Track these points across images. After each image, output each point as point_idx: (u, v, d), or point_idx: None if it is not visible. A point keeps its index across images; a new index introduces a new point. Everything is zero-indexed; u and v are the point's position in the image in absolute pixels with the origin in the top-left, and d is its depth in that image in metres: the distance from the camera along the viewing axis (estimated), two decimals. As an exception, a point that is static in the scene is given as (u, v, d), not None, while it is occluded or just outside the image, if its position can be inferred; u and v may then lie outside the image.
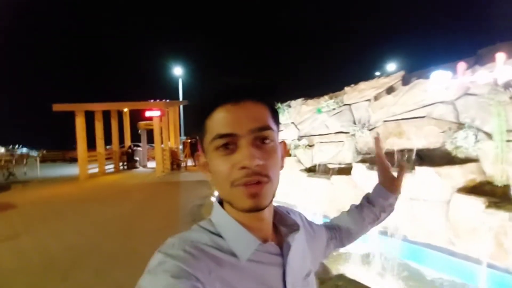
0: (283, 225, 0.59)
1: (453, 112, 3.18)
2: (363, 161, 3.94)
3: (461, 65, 2.97)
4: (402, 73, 3.74)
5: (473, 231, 2.57)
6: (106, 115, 13.28)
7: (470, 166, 2.86)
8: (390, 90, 3.76)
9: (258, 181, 0.46)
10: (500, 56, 2.58)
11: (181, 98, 21.92)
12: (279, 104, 5.60)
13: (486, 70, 2.76)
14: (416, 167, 3.04)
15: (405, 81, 3.63)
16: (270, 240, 0.53)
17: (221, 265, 0.47)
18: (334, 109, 4.55)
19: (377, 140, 0.83)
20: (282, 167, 0.54)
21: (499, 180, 2.64)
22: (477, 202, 2.50)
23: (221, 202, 0.55)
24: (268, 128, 0.49)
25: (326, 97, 4.77)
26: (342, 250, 3.64)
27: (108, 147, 14.42)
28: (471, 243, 2.63)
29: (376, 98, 3.92)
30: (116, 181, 11.02)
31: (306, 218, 0.73)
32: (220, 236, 0.51)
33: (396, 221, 3.27)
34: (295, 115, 5.50)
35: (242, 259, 0.49)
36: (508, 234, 2.25)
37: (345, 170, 4.27)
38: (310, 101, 5.17)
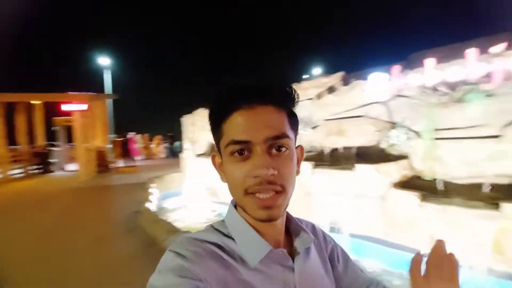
0: (299, 239, 0.56)
1: (387, 112, 3.36)
2: (306, 159, 3.92)
3: (395, 68, 3.14)
4: (341, 73, 3.84)
5: (408, 223, 2.71)
6: (12, 109, 10.88)
7: (403, 162, 3.04)
8: (331, 89, 3.82)
9: (271, 190, 0.46)
10: (429, 61, 2.78)
11: (110, 92, 19.53)
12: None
13: (416, 73, 2.95)
14: (356, 165, 3.10)
15: (345, 82, 3.72)
16: (281, 248, 0.51)
17: (228, 268, 0.47)
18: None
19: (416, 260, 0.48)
20: (298, 172, 0.52)
21: (427, 175, 2.84)
22: (412, 196, 2.64)
23: (234, 204, 0.54)
24: (284, 136, 0.48)
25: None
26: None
27: (15, 147, 11.87)
28: (406, 235, 2.77)
29: (318, 97, 3.94)
30: (28, 188, 9.03)
31: (329, 241, 0.66)
32: (231, 238, 0.51)
33: (342, 217, 3.31)
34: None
35: (251, 264, 0.48)
36: (439, 225, 2.41)
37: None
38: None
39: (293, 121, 0.52)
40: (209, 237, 0.50)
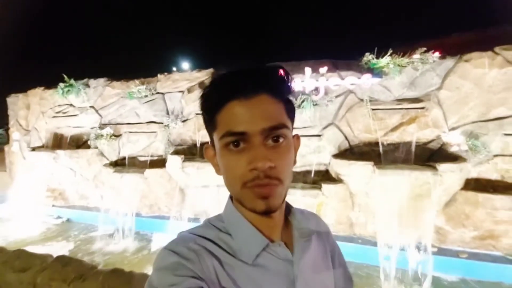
0: (300, 231, 0.55)
1: (249, 111, 3.84)
2: (176, 152, 3.89)
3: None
4: (212, 70, 4.01)
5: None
6: None
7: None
8: (202, 84, 3.93)
9: (269, 183, 0.44)
10: (308, 70, 3.33)
11: None
12: (72, 81, 4.32)
13: (298, 79, 3.43)
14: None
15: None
16: (279, 241, 0.50)
17: (225, 265, 0.45)
18: (146, 96, 4.13)
19: None
20: (295, 162, 0.51)
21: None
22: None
23: (232, 197, 0.52)
24: (282, 126, 0.46)
25: (136, 81, 4.23)
26: (163, 244, 3.46)
27: None
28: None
29: (189, 90, 3.96)
30: None
31: (329, 236, 0.63)
32: (228, 233, 0.49)
33: (212, 208, 3.54)
34: (96, 98, 4.48)
35: (248, 259, 0.47)
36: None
37: (157, 163, 4.05)
38: (116, 83, 4.39)
39: (290, 109, 0.50)
40: (205, 233, 0.49)
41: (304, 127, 3.41)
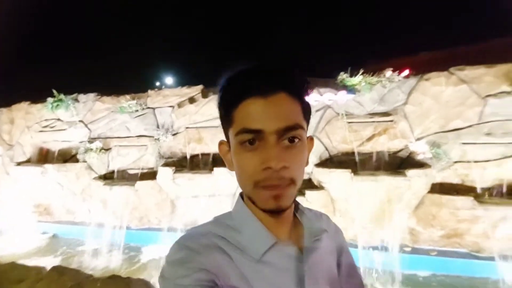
0: (309, 230, 0.54)
1: (237, 124, 4.09)
2: (166, 165, 4.04)
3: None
4: (201, 86, 4.25)
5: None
6: None
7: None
8: (192, 100, 4.15)
9: (281, 184, 0.44)
10: None
11: None
12: (61, 96, 4.41)
13: None
14: (214, 168, 3.58)
15: (204, 94, 4.17)
16: (288, 239, 0.51)
17: (233, 261, 0.46)
18: (137, 110, 4.29)
19: None
20: (307, 163, 0.51)
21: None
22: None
23: (242, 195, 0.53)
24: (298, 127, 0.46)
25: (127, 96, 4.38)
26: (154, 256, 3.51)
27: None
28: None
29: (179, 105, 4.17)
30: None
31: (339, 233, 0.63)
32: (237, 230, 0.49)
33: (201, 217, 3.67)
34: (86, 112, 4.58)
35: (256, 256, 0.46)
36: None
37: (148, 175, 4.17)
38: (106, 98, 4.52)
39: (306, 110, 0.50)
40: (215, 229, 0.50)
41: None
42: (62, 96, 4.46)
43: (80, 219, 4.46)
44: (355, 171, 3.19)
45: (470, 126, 3.21)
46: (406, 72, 3.45)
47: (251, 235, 0.49)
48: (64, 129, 4.60)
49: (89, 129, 4.57)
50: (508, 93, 3.06)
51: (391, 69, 3.38)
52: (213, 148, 4.02)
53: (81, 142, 4.53)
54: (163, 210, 3.99)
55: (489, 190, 3.11)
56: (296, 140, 0.47)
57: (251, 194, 0.48)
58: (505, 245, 2.94)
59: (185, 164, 4.09)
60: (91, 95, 4.58)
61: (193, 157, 4.11)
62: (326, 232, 0.56)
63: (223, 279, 0.43)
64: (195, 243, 0.46)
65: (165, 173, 3.73)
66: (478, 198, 2.96)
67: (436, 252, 3.24)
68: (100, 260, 3.57)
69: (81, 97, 4.62)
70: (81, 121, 4.58)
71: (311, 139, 0.56)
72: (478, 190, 3.14)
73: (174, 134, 4.17)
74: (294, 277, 0.48)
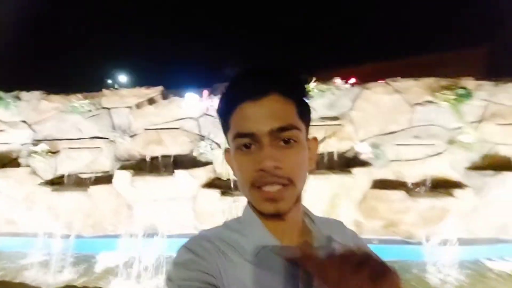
0: (318, 238, 0.53)
1: (197, 127, 4.12)
2: (123, 168, 3.91)
3: (204, 92, 3.97)
4: (161, 88, 4.21)
5: (212, 215, 3.54)
6: None
7: (209, 167, 3.89)
8: (151, 101, 4.09)
9: (277, 184, 0.44)
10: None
11: None
12: (0, 93, 3.99)
13: (218, 99, 3.90)
14: (175, 171, 3.59)
15: (164, 96, 4.14)
16: (293, 245, 0.49)
17: (235, 264, 0.46)
18: (90, 110, 4.07)
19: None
20: (312, 165, 0.51)
21: (224, 176, 3.85)
22: (215, 193, 3.48)
23: None
24: (292, 127, 0.46)
25: (79, 95, 4.13)
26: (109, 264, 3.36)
27: None
28: (212, 225, 3.57)
29: (138, 106, 4.07)
30: None
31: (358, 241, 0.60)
32: (243, 234, 0.50)
33: (161, 221, 3.63)
34: (29, 112, 4.20)
35: (259, 260, 0.46)
36: (234, 212, 3.39)
37: (102, 179, 3.99)
38: (54, 97, 4.20)
39: (303, 111, 0.49)
40: (221, 233, 0.51)
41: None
42: (1, 93, 4.03)
43: (23, 230, 4.06)
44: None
45: (402, 129, 3.75)
46: (353, 80, 3.89)
47: (254, 239, 0.49)
48: (2, 130, 4.16)
49: (33, 130, 4.20)
50: (431, 102, 3.65)
51: (340, 78, 3.77)
52: (174, 150, 4.01)
53: (23, 144, 4.14)
54: (119, 215, 3.85)
55: (417, 184, 3.66)
56: (292, 141, 0.46)
57: (249, 197, 0.49)
58: (430, 231, 3.49)
59: (144, 166, 4.01)
60: (36, 93, 4.22)
61: (153, 159, 4.05)
62: (335, 242, 0.53)
63: (224, 284, 0.44)
64: (199, 247, 0.47)
65: (123, 177, 3.62)
66: (409, 192, 3.47)
67: (377, 241, 3.69)
68: (49, 273, 3.31)
69: (24, 95, 4.22)
70: (23, 121, 4.19)
71: (314, 139, 0.55)
72: (409, 185, 3.67)
73: (132, 136, 4.06)
74: (297, 284, 0.47)
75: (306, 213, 0.57)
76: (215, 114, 3.60)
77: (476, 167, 3.70)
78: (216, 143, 4.00)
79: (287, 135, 0.45)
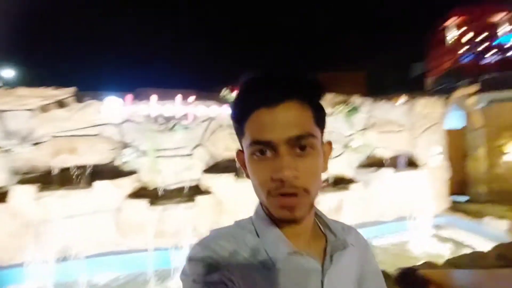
0: (332, 243, 0.54)
1: (119, 133, 3.86)
2: (23, 182, 3.33)
3: (128, 97, 3.76)
4: (74, 89, 3.75)
5: (140, 227, 3.40)
6: None
7: (134, 176, 3.72)
8: (61, 104, 3.61)
9: (294, 193, 0.45)
10: (153, 97, 3.71)
11: None
12: None
13: (144, 105, 3.76)
14: (94, 183, 3.29)
15: (79, 99, 3.71)
16: (307, 250, 0.50)
17: (250, 266, 0.47)
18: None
19: None
20: (325, 169, 0.52)
21: (151, 185, 3.75)
22: (142, 203, 3.37)
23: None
24: (308, 135, 0.46)
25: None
26: None
27: None
28: (138, 237, 3.43)
29: (43, 109, 3.53)
30: None
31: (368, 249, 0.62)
32: (256, 236, 0.50)
33: (69, 242, 3.22)
34: None
35: (273, 263, 0.47)
36: (165, 221, 3.34)
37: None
38: None
39: (319, 116, 0.49)
40: (235, 232, 0.51)
41: (177, 148, 3.89)
42: None
43: None
44: (236, 175, 3.77)
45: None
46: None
47: (269, 242, 0.49)
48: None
49: None
50: (331, 114, 4.51)
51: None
52: (92, 159, 3.65)
53: None
54: (19, 240, 3.24)
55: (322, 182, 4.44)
56: (308, 149, 0.47)
57: (265, 203, 0.49)
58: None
59: (51, 179, 3.48)
60: None
61: (63, 170, 3.57)
62: (351, 246, 0.54)
63: (239, 282, 0.45)
64: (215, 244, 0.48)
65: (24, 193, 3.09)
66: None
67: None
68: None
69: None
70: None
71: (328, 143, 0.55)
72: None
73: (35, 144, 3.48)
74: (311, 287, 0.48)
75: (320, 216, 0.58)
76: (139, 120, 3.61)
77: (363, 166, 4.78)
78: (141, 151, 3.85)
79: (304, 143, 0.46)
